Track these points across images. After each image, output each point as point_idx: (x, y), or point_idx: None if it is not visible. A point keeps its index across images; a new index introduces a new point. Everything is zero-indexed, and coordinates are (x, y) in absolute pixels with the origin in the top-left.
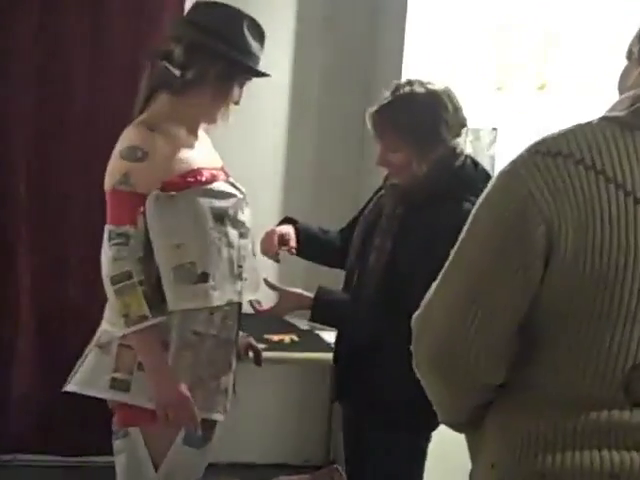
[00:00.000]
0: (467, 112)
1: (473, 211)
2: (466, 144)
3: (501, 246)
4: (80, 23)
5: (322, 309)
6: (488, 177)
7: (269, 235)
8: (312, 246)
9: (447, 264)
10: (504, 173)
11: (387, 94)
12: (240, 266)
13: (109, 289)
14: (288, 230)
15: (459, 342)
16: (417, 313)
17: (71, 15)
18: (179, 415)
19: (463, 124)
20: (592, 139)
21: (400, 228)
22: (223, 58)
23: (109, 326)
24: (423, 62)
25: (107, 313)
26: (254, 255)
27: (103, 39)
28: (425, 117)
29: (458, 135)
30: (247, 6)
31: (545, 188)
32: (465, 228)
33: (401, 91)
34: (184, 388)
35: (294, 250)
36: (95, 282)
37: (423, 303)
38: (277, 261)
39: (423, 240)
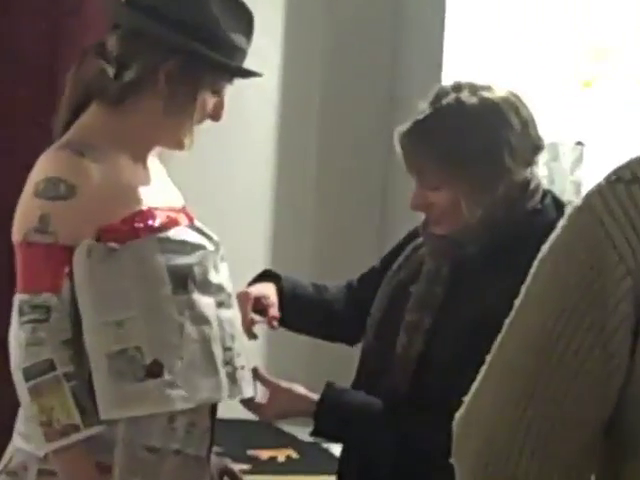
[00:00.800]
0: (539, 121)
1: (533, 267)
2: (539, 166)
3: (568, 313)
4: None
5: (330, 419)
6: None
7: (240, 300)
8: (302, 313)
9: (498, 340)
10: (574, 210)
11: (423, 105)
12: (228, 348)
13: (21, 388)
14: (266, 291)
15: (512, 453)
16: (459, 413)
17: None
18: None
19: (537, 146)
20: None
21: (445, 298)
22: (177, 50)
23: (23, 442)
24: (472, 51)
25: (19, 423)
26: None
27: (1, 22)
28: (478, 139)
29: (530, 163)
30: None
31: (629, 228)
32: (522, 291)
33: (443, 101)
34: None
35: (275, 322)
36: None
37: (467, 398)
38: (252, 338)
39: (476, 317)
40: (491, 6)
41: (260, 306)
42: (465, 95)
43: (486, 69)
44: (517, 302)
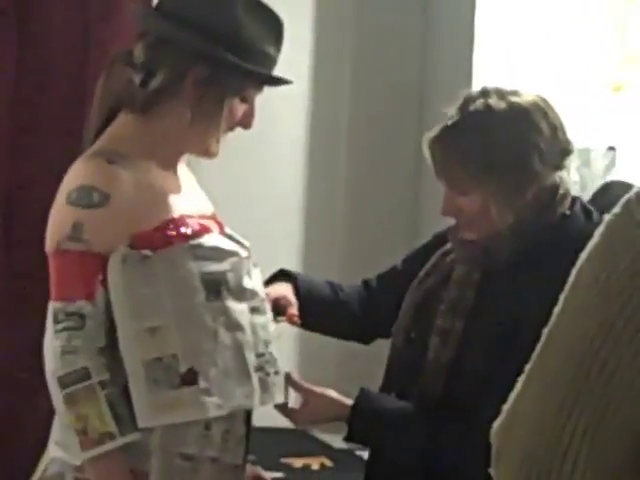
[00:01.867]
0: (570, 126)
1: (571, 276)
2: (570, 171)
3: (609, 322)
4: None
5: (364, 424)
6: None
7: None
8: (318, 312)
9: (537, 349)
10: (612, 217)
11: (452, 111)
12: (261, 354)
13: (57, 396)
14: (283, 292)
15: (555, 464)
16: (498, 422)
17: None
18: None
19: (567, 150)
20: None
21: (476, 302)
22: (204, 57)
23: (58, 451)
24: (502, 56)
25: (54, 432)
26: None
27: (32, 36)
28: (508, 144)
29: (559, 167)
30: None
31: None
32: (561, 298)
33: (471, 107)
34: None
35: (296, 318)
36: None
37: (506, 407)
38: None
39: (507, 322)
40: (521, 11)
41: (279, 307)
42: (494, 100)
43: (516, 74)
44: (556, 311)
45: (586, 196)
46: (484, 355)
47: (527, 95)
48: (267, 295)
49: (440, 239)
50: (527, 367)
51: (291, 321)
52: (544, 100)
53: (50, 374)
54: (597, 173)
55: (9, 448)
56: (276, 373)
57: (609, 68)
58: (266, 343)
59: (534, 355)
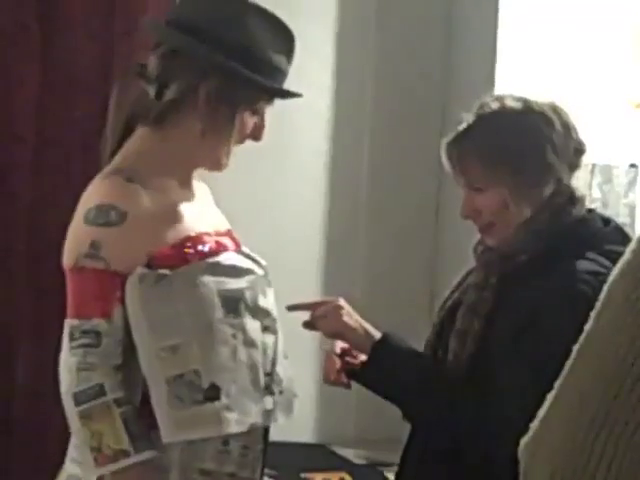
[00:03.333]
0: (593, 143)
1: (603, 292)
2: (592, 188)
3: None
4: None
5: (387, 355)
6: (625, 238)
7: (326, 354)
8: None
9: (567, 366)
10: None
11: (469, 117)
12: (268, 374)
13: (71, 412)
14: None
15: None
16: (525, 440)
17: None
18: None
19: (580, 150)
20: None
21: (494, 304)
22: (216, 69)
23: (74, 468)
24: (524, 71)
25: (71, 448)
26: (286, 358)
27: (56, 50)
28: (520, 136)
29: (573, 165)
30: (268, 2)
31: None
32: (592, 315)
33: (486, 109)
34: None
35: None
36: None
37: (534, 424)
38: (347, 387)
39: (521, 321)
40: (544, 24)
41: (345, 354)
42: (508, 101)
43: (537, 90)
44: (587, 328)
45: (608, 213)
46: (500, 350)
47: (542, 100)
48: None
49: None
50: (556, 383)
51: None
52: (558, 105)
53: (65, 391)
54: (619, 190)
55: (28, 464)
56: (280, 393)
57: (631, 85)
58: (273, 363)
59: (564, 371)
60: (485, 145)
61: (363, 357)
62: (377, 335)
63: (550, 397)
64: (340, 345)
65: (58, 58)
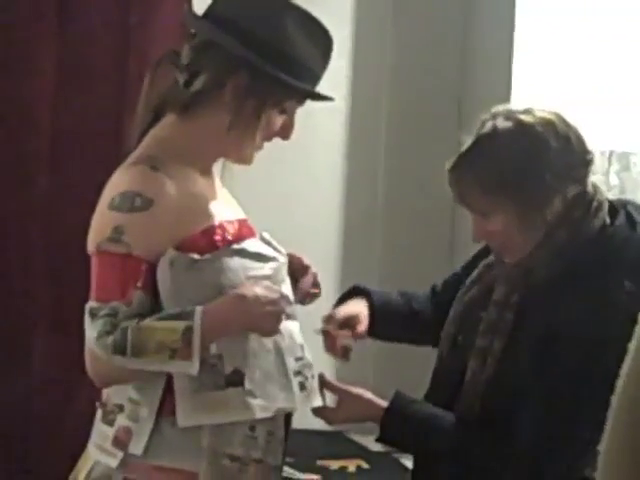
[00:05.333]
0: (609, 127)
1: None
2: (609, 175)
3: None
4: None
5: (397, 426)
6: None
7: (325, 322)
8: (393, 324)
9: (619, 386)
10: None
11: (467, 140)
12: (300, 358)
13: (126, 361)
14: (356, 310)
15: None
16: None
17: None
18: None
19: (585, 161)
20: None
21: (515, 324)
22: (246, 65)
23: (101, 455)
24: (541, 70)
25: (94, 434)
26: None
27: (72, 40)
28: (513, 160)
29: (580, 179)
30: None
31: None
32: (637, 332)
33: (482, 131)
34: None
35: (360, 333)
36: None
37: (601, 448)
38: (346, 359)
39: (541, 342)
40: (560, 23)
41: (349, 324)
42: (500, 121)
43: (554, 85)
44: (631, 346)
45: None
46: (522, 372)
47: (539, 112)
48: (332, 317)
49: (489, 250)
50: (612, 405)
51: (354, 336)
52: (556, 114)
53: (102, 357)
54: (636, 177)
55: (46, 455)
56: (312, 377)
57: None
58: (302, 348)
59: (617, 393)
60: (482, 172)
61: (361, 327)
62: (383, 405)
63: (609, 420)
64: (338, 315)
65: (74, 48)
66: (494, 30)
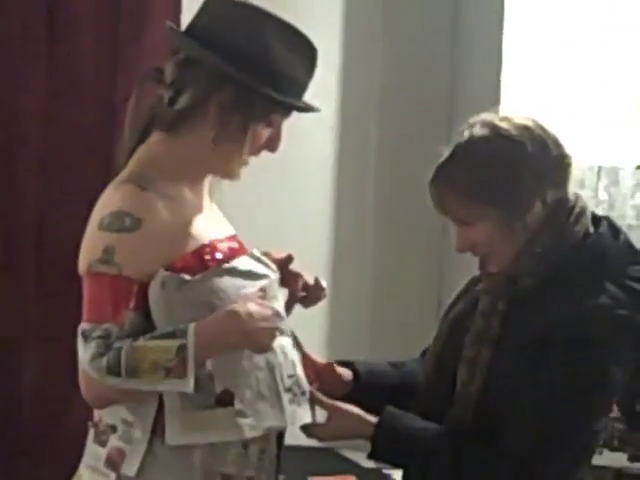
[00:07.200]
0: (598, 142)
1: None
2: (598, 190)
3: None
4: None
5: (388, 442)
6: (636, 254)
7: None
8: (381, 389)
9: None
10: None
11: (445, 151)
12: (292, 375)
13: (121, 382)
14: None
15: None
16: None
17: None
18: None
19: (563, 164)
20: None
21: (502, 332)
22: (229, 80)
23: (93, 475)
24: (530, 76)
25: (87, 455)
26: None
27: (63, 55)
28: (488, 167)
29: (559, 182)
30: (274, 7)
31: None
32: None
33: (459, 141)
34: None
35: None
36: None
37: None
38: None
39: (528, 348)
40: (549, 28)
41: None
42: (476, 129)
43: (543, 92)
44: None
45: (615, 215)
46: (512, 380)
47: (514, 118)
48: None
49: (475, 280)
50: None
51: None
52: (532, 120)
53: (96, 382)
54: (625, 192)
55: (38, 470)
56: (303, 393)
57: (637, 87)
58: (293, 364)
59: None
60: (459, 182)
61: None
62: (373, 421)
63: None
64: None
65: (64, 63)
66: (483, 46)
